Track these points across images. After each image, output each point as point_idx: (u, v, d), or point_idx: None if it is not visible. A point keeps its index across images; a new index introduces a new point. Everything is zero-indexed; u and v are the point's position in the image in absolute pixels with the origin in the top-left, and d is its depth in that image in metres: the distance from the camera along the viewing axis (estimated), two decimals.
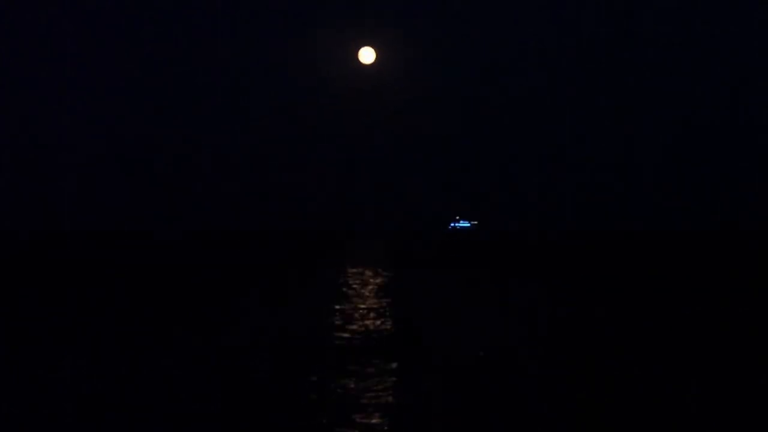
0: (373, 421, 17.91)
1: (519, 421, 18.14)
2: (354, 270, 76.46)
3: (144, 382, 22.54)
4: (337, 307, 41.43)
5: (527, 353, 26.79)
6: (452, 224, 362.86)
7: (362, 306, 42.19)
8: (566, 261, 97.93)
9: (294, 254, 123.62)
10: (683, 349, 27.51)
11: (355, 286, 56.36)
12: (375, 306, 42.22)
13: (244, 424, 17.92)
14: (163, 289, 54.60)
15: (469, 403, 19.71)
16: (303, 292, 50.85)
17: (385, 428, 17.39)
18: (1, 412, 19.09)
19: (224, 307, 42.41)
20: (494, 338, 30.19)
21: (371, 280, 61.99)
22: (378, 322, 35.15)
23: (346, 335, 30.95)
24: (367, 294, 49.55)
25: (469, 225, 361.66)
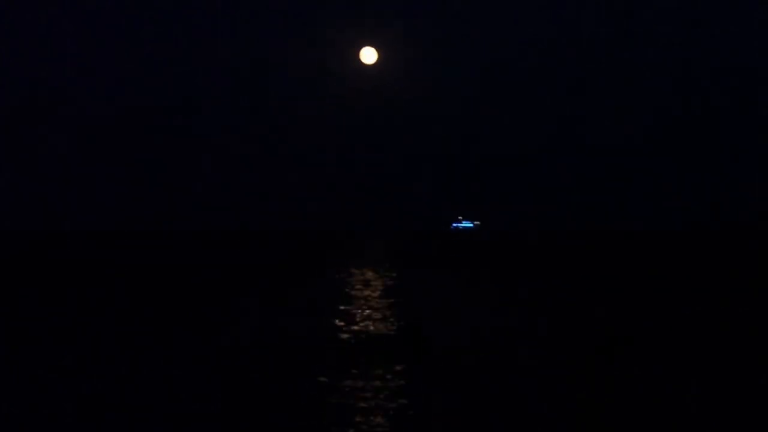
0: (373, 421, 17.91)
1: (519, 421, 18.14)
2: (355, 270, 76.45)
3: (144, 382, 22.54)
4: (338, 307, 41.42)
5: (527, 353, 26.79)
6: (454, 224, 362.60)
7: (363, 306, 42.19)
8: (567, 261, 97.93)
9: (294, 254, 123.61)
10: (683, 349, 27.51)
11: (356, 286, 56.36)
12: (376, 306, 42.22)
13: (244, 424, 17.92)
14: (163, 289, 54.60)
15: (469, 403, 19.71)
16: (303, 293, 50.84)
17: (385, 428, 17.38)
18: (1, 412, 19.09)
19: (224, 307, 42.41)
20: (494, 338, 30.18)
21: (372, 281, 61.99)
22: (379, 323, 35.14)
23: (346, 335, 30.94)
24: (368, 294, 49.54)
25: (471, 225, 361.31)
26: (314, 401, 19.89)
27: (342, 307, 41.13)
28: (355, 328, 33.29)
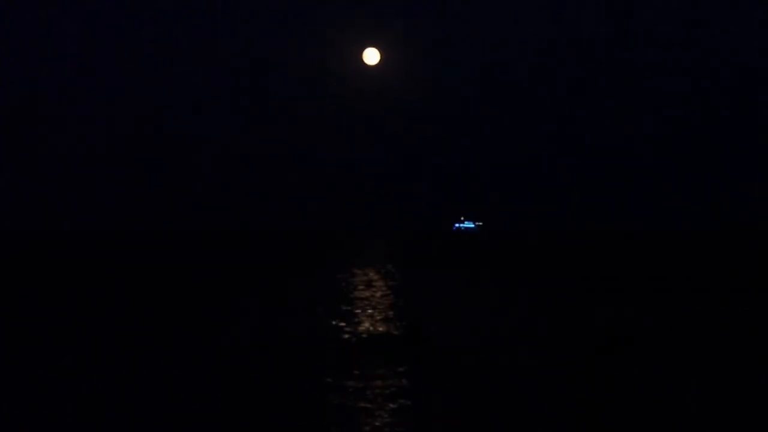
0: (374, 421, 17.90)
1: (519, 421, 18.13)
2: (356, 270, 76.45)
3: (144, 382, 22.54)
4: (338, 307, 41.41)
5: (527, 353, 26.79)
6: (457, 225, 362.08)
7: (363, 306, 42.18)
8: (567, 261, 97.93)
9: (295, 254, 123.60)
10: (683, 349, 27.50)
11: (356, 286, 56.35)
12: (376, 306, 42.22)
13: (244, 424, 17.92)
14: (163, 289, 54.60)
15: (469, 403, 19.71)
16: (303, 293, 50.83)
17: (386, 428, 17.38)
18: (1, 412, 19.09)
19: (224, 307, 42.40)
20: (494, 338, 30.17)
21: (373, 281, 61.99)
22: (379, 323, 35.14)
23: (347, 336, 30.94)
24: (369, 294, 49.53)
25: (473, 226, 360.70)
26: (314, 401, 19.89)
27: (342, 307, 41.12)
28: (356, 328, 33.28)
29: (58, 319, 37.65)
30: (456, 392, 20.97)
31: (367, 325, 34.37)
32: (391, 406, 19.27)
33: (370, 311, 39.71)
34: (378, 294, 49.58)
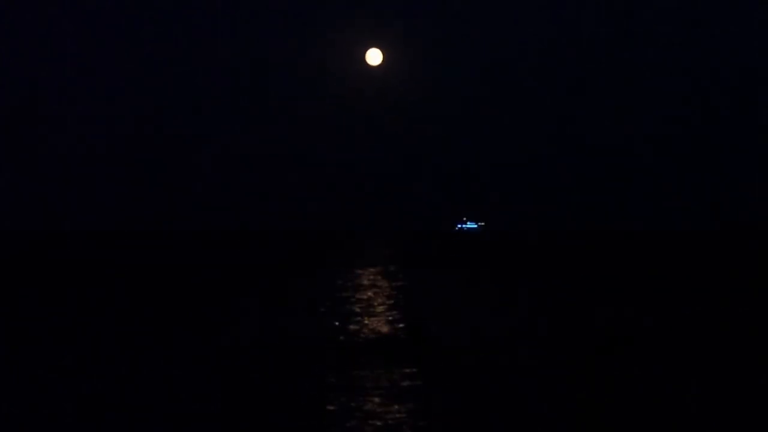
0: (374, 421, 17.90)
1: (519, 421, 18.13)
2: (357, 270, 76.44)
3: (144, 382, 22.54)
4: (339, 307, 41.42)
5: (527, 353, 26.79)
6: (459, 225, 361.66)
7: (364, 306, 42.18)
8: (567, 261, 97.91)
9: (295, 254, 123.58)
10: (683, 349, 27.50)
11: (357, 286, 56.35)
12: (377, 306, 42.22)
13: (244, 424, 17.92)
14: (163, 289, 54.59)
15: (470, 403, 19.71)
16: (304, 293, 50.81)
17: (386, 428, 17.37)
18: (1, 412, 19.09)
19: (224, 307, 42.40)
20: (495, 338, 30.17)
21: (373, 281, 61.98)
22: (380, 323, 35.14)
23: (347, 336, 30.95)
24: (369, 294, 49.54)
25: (476, 226, 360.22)
26: (314, 401, 19.89)
27: (343, 308, 41.12)
28: (356, 328, 33.28)
29: (58, 319, 37.64)
30: (456, 392, 20.97)
31: (367, 325, 34.37)
32: (392, 406, 19.27)
33: (370, 311, 39.71)
34: (378, 294, 49.58)
